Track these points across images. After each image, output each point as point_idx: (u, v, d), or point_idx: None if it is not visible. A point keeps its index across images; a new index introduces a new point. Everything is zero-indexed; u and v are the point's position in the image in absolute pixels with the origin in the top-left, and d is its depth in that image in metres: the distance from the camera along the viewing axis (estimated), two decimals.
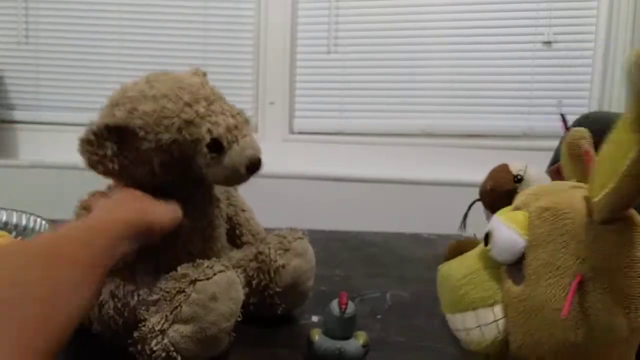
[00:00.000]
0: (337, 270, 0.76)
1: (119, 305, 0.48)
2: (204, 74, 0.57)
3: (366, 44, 1.72)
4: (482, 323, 0.39)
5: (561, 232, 0.36)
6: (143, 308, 0.47)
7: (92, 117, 0.52)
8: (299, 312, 0.60)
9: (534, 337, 0.36)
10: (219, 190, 0.60)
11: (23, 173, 1.71)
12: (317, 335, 0.48)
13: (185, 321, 0.44)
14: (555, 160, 1.01)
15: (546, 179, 0.63)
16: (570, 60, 1.66)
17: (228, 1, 1.73)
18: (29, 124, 1.79)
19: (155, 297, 0.46)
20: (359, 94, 1.75)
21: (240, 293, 0.48)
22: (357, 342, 0.47)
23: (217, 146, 0.49)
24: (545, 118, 1.68)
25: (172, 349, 0.44)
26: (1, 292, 0.31)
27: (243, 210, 0.64)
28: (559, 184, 0.42)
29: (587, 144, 0.42)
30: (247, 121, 0.53)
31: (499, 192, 0.62)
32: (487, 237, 0.39)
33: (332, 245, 0.88)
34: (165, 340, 0.44)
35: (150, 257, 0.51)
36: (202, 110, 0.50)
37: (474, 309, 0.39)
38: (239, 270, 0.57)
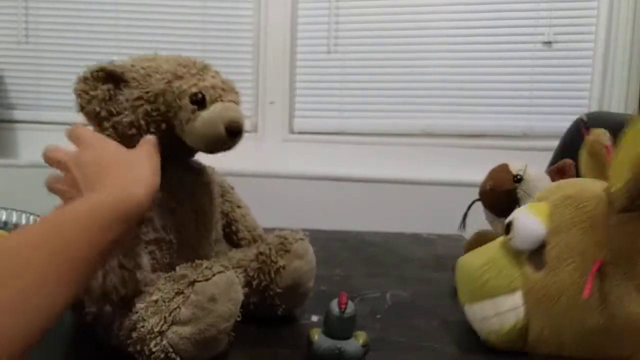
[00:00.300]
0: (337, 270, 0.76)
1: (126, 275, 0.47)
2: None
3: (366, 44, 1.72)
4: (501, 310, 0.39)
5: (582, 219, 0.37)
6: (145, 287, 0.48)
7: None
8: (299, 312, 0.60)
9: (555, 322, 0.37)
10: (214, 188, 0.60)
11: (23, 173, 1.71)
12: (317, 335, 0.48)
13: (184, 323, 0.44)
14: (555, 160, 1.01)
15: (546, 179, 0.63)
16: (570, 60, 1.66)
17: (227, 1, 1.74)
18: (29, 124, 1.79)
19: (154, 297, 0.46)
20: (359, 94, 1.75)
21: (239, 294, 0.48)
22: (357, 342, 0.47)
23: (199, 100, 0.51)
24: (545, 118, 1.68)
25: (171, 350, 0.44)
26: None
27: (239, 207, 0.65)
28: (579, 179, 0.43)
29: (607, 139, 0.43)
30: (235, 91, 0.55)
31: (499, 192, 0.63)
32: (508, 227, 0.40)
33: (332, 245, 0.88)
34: (164, 342, 0.44)
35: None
36: (193, 70, 0.53)
37: (493, 296, 0.40)
38: (239, 271, 0.57)
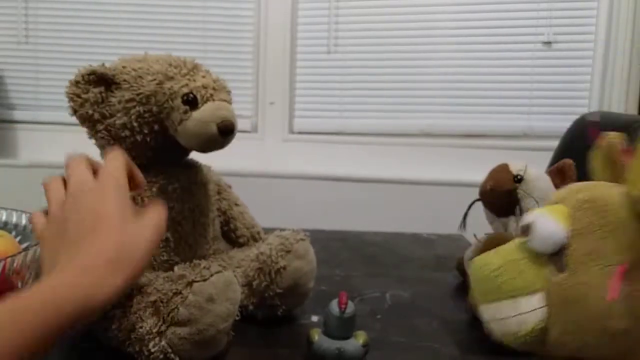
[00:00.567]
0: (337, 270, 0.76)
1: None
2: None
3: (366, 44, 1.72)
4: (521, 312, 0.39)
5: (603, 223, 0.36)
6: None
7: None
8: (299, 312, 0.60)
9: (576, 325, 0.36)
10: (210, 186, 0.61)
11: (23, 173, 1.71)
12: (316, 335, 0.48)
13: (183, 323, 0.44)
14: (555, 160, 1.01)
15: (546, 179, 0.63)
16: (570, 60, 1.66)
17: (228, 1, 1.74)
18: (28, 124, 1.79)
19: (152, 298, 0.46)
20: (359, 94, 1.75)
21: (237, 293, 0.48)
22: (357, 342, 0.47)
23: (191, 100, 0.51)
24: (545, 118, 1.68)
25: (169, 350, 0.44)
26: None
27: (236, 205, 0.65)
28: (596, 182, 0.43)
29: (623, 142, 0.43)
30: (226, 90, 0.56)
31: (499, 192, 0.62)
32: (526, 229, 0.40)
33: (332, 245, 0.88)
34: (163, 342, 0.44)
35: None
36: (184, 71, 0.53)
37: (513, 297, 0.39)
38: (240, 271, 0.57)
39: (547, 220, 0.38)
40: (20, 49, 1.77)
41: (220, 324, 0.46)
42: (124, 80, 0.52)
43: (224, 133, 0.52)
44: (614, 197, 0.37)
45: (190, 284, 0.45)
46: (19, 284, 0.47)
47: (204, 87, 0.53)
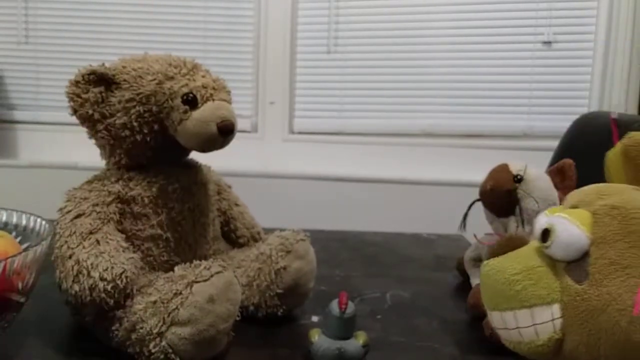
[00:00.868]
0: (337, 270, 0.76)
1: (109, 287, 0.47)
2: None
3: (366, 44, 1.72)
4: (537, 322, 0.37)
5: (629, 231, 0.35)
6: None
7: None
8: (299, 312, 0.60)
9: (594, 337, 0.35)
10: (210, 186, 0.61)
11: (23, 173, 1.71)
12: (317, 335, 0.48)
13: (183, 323, 0.44)
14: (555, 160, 1.01)
15: (546, 179, 0.63)
16: (570, 60, 1.66)
17: (228, 1, 1.73)
18: (29, 124, 1.79)
19: (152, 298, 0.46)
20: (358, 94, 1.75)
21: (238, 294, 0.48)
22: (357, 342, 0.47)
23: (191, 100, 0.51)
24: (545, 118, 1.68)
25: (170, 350, 0.44)
26: None
27: (236, 205, 0.65)
28: (617, 185, 0.41)
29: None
30: (226, 90, 0.56)
31: (499, 192, 0.62)
32: (545, 233, 0.38)
33: (332, 245, 0.88)
34: (164, 343, 0.44)
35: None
36: (184, 71, 0.53)
37: (530, 306, 0.37)
38: (240, 271, 0.57)
39: (569, 226, 0.36)
40: (20, 49, 1.77)
41: (220, 324, 0.46)
42: (124, 80, 0.52)
43: (224, 133, 0.52)
44: None
45: (190, 284, 0.45)
46: (19, 284, 0.47)
47: (204, 86, 0.53)
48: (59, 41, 1.76)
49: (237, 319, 0.49)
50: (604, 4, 1.61)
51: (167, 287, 0.46)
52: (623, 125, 0.90)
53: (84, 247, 0.48)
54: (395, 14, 1.70)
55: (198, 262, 0.48)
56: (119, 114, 0.52)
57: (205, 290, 0.45)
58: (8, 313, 0.48)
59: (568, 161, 0.63)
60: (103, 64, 0.53)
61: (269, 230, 0.62)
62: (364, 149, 1.73)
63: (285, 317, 0.57)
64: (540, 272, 0.38)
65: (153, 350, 0.45)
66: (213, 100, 0.53)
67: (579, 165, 0.63)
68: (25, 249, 0.48)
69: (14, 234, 0.56)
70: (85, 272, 0.47)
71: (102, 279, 0.46)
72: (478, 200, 0.66)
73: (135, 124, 0.53)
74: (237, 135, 0.54)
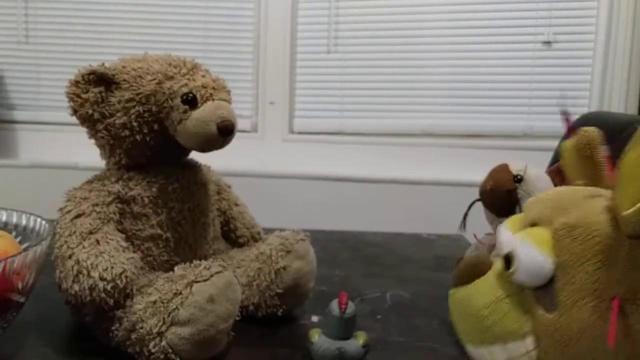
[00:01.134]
0: (337, 270, 0.76)
1: (109, 286, 0.47)
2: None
3: (366, 44, 1.72)
4: (512, 356, 0.36)
5: (594, 252, 0.33)
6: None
7: None
8: (299, 312, 0.60)
9: None
10: (210, 186, 0.61)
11: (23, 173, 1.71)
12: (317, 335, 0.48)
13: (183, 323, 0.44)
14: (555, 160, 1.01)
15: (546, 179, 0.63)
16: (570, 60, 1.66)
17: (228, 1, 1.74)
18: (29, 124, 1.79)
19: (152, 298, 0.46)
20: (359, 94, 1.75)
21: (237, 294, 0.48)
22: (357, 342, 0.47)
23: (191, 100, 0.52)
24: (545, 118, 1.68)
25: (170, 350, 0.44)
26: None
27: (236, 205, 0.65)
28: (571, 191, 0.39)
29: (605, 149, 0.40)
30: (226, 90, 0.56)
31: (499, 192, 0.62)
32: (507, 260, 0.36)
33: (332, 245, 0.88)
34: (163, 343, 0.44)
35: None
36: (184, 70, 0.53)
37: (502, 342, 0.36)
38: (240, 271, 0.57)
39: (532, 251, 0.35)
40: (20, 49, 1.77)
41: (220, 324, 0.46)
42: (124, 80, 0.52)
43: (224, 133, 0.52)
44: (601, 219, 0.34)
45: (190, 284, 0.45)
46: (19, 284, 0.47)
47: (204, 86, 0.53)
48: (59, 41, 1.76)
49: (237, 319, 0.49)
50: (604, 4, 1.61)
51: (167, 287, 0.46)
52: (621, 126, 0.90)
53: (83, 247, 0.48)
54: (395, 14, 1.70)
55: (198, 262, 0.48)
56: (118, 114, 0.52)
57: (205, 290, 0.45)
58: (8, 313, 0.48)
59: None
60: (103, 64, 0.53)
61: (269, 230, 0.62)
62: (364, 149, 1.73)
63: (285, 317, 0.57)
64: (509, 304, 0.37)
65: (153, 350, 0.45)
66: (213, 100, 0.53)
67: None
68: (25, 249, 0.48)
69: (14, 234, 0.56)
70: (85, 272, 0.47)
71: (102, 278, 0.46)
72: (478, 200, 0.66)
73: (135, 124, 0.52)
74: (237, 135, 0.54)
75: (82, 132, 0.56)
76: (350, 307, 0.47)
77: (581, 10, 1.64)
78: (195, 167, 0.60)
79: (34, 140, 1.78)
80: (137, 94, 0.52)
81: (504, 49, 1.67)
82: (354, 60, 1.73)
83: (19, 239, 0.55)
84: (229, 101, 0.55)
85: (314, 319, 0.59)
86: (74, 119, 0.54)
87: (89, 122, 0.54)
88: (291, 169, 1.72)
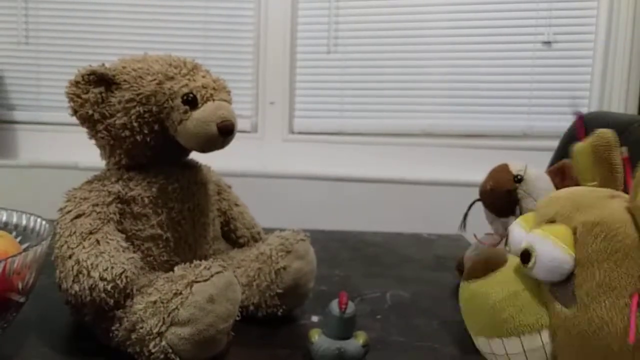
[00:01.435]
0: (337, 270, 0.76)
1: (109, 286, 0.47)
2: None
3: (366, 44, 1.72)
4: (527, 349, 0.36)
5: (615, 249, 0.33)
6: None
7: None
8: (299, 312, 0.60)
9: None
10: (210, 186, 0.61)
11: (23, 173, 1.71)
12: (317, 335, 0.48)
13: (183, 323, 0.44)
14: (555, 160, 1.01)
15: (546, 179, 0.63)
16: (570, 60, 1.66)
17: (228, 1, 1.74)
18: (29, 124, 1.79)
19: (152, 298, 0.46)
20: (359, 94, 1.75)
21: (237, 294, 0.48)
22: (357, 342, 0.47)
23: (191, 100, 0.52)
24: (545, 118, 1.68)
25: (170, 350, 0.44)
26: None
27: (236, 205, 0.65)
28: (588, 192, 0.39)
29: (623, 151, 0.40)
30: (226, 90, 0.56)
31: (499, 192, 0.62)
32: (525, 255, 0.36)
33: (332, 245, 0.88)
34: (163, 343, 0.44)
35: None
36: (184, 71, 0.53)
37: (517, 334, 0.36)
38: (240, 271, 0.57)
39: (551, 247, 0.35)
40: (20, 49, 1.77)
41: (220, 324, 0.46)
42: (124, 81, 0.52)
43: (224, 133, 0.52)
44: (622, 217, 0.34)
45: (190, 284, 0.45)
46: (19, 284, 0.47)
47: (204, 87, 0.53)
48: (59, 41, 1.76)
49: (237, 319, 0.49)
50: (604, 4, 1.61)
51: (167, 287, 0.46)
52: (621, 126, 0.90)
53: (84, 247, 0.48)
54: (395, 14, 1.70)
55: (198, 262, 0.48)
56: (119, 114, 0.53)
57: (205, 290, 0.45)
58: (8, 313, 0.48)
59: (568, 161, 0.63)
60: (103, 64, 0.53)
61: (269, 230, 0.62)
62: (364, 149, 1.73)
63: (285, 317, 0.57)
64: (525, 297, 0.37)
65: (153, 350, 0.45)
66: (213, 100, 0.53)
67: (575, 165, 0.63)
68: (25, 249, 0.48)
69: (14, 234, 0.56)
70: (85, 272, 0.47)
71: (102, 278, 0.46)
72: (478, 200, 0.66)
73: (135, 124, 0.53)
74: (237, 135, 0.54)
75: (82, 132, 0.56)
76: (350, 307, 0.47)
77: (581, 10, 1.64)
78: (195, 167, 0.60)
79: (34, 140, 1.78)
80: (138, 95, 0.52)
81: (504, 49, 1.67)
82: (354, 60, 1.73)
83: (19, 239, 0.55)
84: (229, 101, 0.55)
85: (314, 319, 0.59)
86: (74, 119, 0.54)
87: (89, 122, 0.54)
88: (291, 169, 1.72)
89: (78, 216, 0.51)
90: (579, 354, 0.34)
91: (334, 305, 0.47)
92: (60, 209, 0.52)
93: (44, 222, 0.56)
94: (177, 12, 1.74)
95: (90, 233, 0.49)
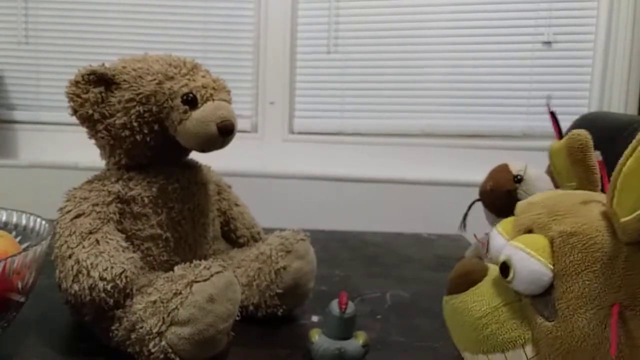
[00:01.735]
0: (337, 270, 0.76)
1: (109, 286, 0.47)
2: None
3: (366, 44, 1.72)
4: None
5: (592, 260, 0.33)
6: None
7: None
8: (299, 312, 0.60)
9: None
10: (210, 186, 0.61)
11: (23, 173, 1.71)
12: (317, 335, 0.48)
13: (183, 323, 0.44)
14: None
15: (546, 179, 0.63)
16: (570, 60, 1.66)
17: (228, 1, 1.74)
18: (29, 124, 1.79)
19: (152, 298, 0.46)
20: (359, 94, 1.75)
21: (237, 294, 0.48)
22: (357, 342, 0.47)
23: (191, 100, 0.52)
24: (545, 118, 1.67)
25: (170, 350, 0.44)
26: None
27: (236, 205, 0.65)
28: (564, 196, 0.38)
29: (597, 154, 0.40)
30: (226, 90, 0.56)
31: (499, 192, 0.62)
32: (504, 267, 0.36)
33: (332, 245, 0.88)
34: (163, 343, 0.44)
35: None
36: (184, 71, 0.53)
37: (503, 350, 0.36)
38: (240, 271, 0.57)
39: (530, 261, 0.34)
40: (20, 49, 1.77)
41: (220, 324, 0.46)
42: (124, 80, 0.52)
43: (224, 133, 0.52)
44: (599, 226, 0.34)
45: (190, 284, 0.45)
46: (19, 284, 0.47)
47: (204, 87, 0.53)
48: (59, 41, 1.76)
49: (237, 319, 0.49)
50: (604, 4, 1.61)
51: (167, 287, 0.46)
52: (621, 126, 0.90)
53: (83, 247, 0.48)
54: (395, 14, 1.70)
55: (198, 262, 0.48)
56: (119, 114, 0.53)
57: (205, 290, 0.45)
58: (8, 313, 0.48)
59: None
60: (103, 64, 0.53)
61: (269, 230, 0.62)
62: (364, 149, 1.73)
63: (285, 317, 0.57)
64: (507, 312, 0.36)
65: (153, 350, 0.45)
66: (213, 100, 0.53)
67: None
68: (25, 249, 0.48)
69: (14, 234, 0.56)
70: (85, 271, 0.47)
71: (101, 278, 0.46)
72: (478, 200, 0.66)
73: (135, 124, 0.53)
74: (237, 135, 0.54)
75: (82, 132, 0.56)
76: (350, 307, 0.47)
77: (581, 10, 1.64)
78: (195, 167, 0.60)
79: (34, 140, 1.78)
80: (138, 94, 0.52)
81: (504, 49, 1.67)
82: (354, 61, 1.73)
83: (19, 239, 0.55)
84: (229, 101, 0.55)
85: (314, 319, 0.59)
86: (74, 119, 0.54)
87: (89, 122, 0.54)
88: (291, 169, 1.72)
89: (78, 216, 0.51)
90: None
91: (334, 305, 0.47)
92: (60, 209, 0.52)
93: (43, 222, 0.56)
94: (177, 12, 1.74)
95: (90, 233, 0.49)
